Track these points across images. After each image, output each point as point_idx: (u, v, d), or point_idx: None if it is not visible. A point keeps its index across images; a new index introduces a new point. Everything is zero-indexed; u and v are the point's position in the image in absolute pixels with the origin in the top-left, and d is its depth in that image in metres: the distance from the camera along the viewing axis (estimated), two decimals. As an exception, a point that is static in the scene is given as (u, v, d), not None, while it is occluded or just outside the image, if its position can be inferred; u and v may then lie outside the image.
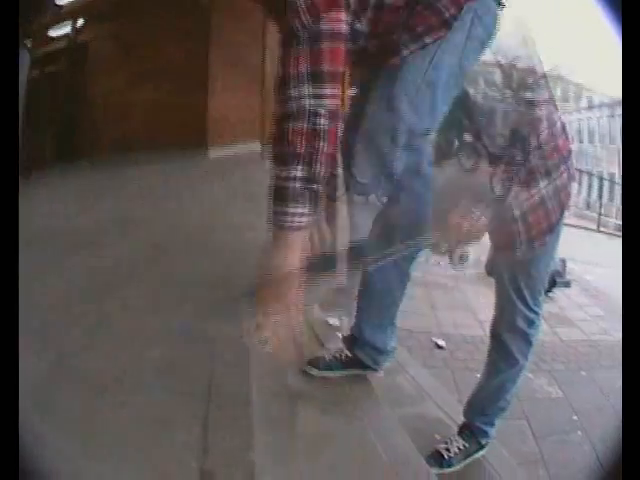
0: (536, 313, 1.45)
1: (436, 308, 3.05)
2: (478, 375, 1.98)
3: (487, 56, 1.25)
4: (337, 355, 1.47)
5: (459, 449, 1.41)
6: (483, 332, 2.59)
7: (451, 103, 1.18)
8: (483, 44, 1.19)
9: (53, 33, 6.29)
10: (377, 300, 1.36)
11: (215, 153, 5.84)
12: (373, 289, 1.35)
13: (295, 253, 0.87)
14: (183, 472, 0.99)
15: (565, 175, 1.38)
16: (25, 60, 4.29)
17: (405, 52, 1.07)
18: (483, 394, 1.54)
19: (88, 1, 5.85)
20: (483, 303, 3.02)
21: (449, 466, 1.39)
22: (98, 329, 1.51)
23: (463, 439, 1.44)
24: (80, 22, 6.50)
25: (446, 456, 1.38)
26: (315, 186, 0.86)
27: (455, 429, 1.56)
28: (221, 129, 6.07)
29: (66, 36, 6.50)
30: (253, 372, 1.34)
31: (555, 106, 1.50)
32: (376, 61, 1.11)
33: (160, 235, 2.43)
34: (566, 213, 1.39)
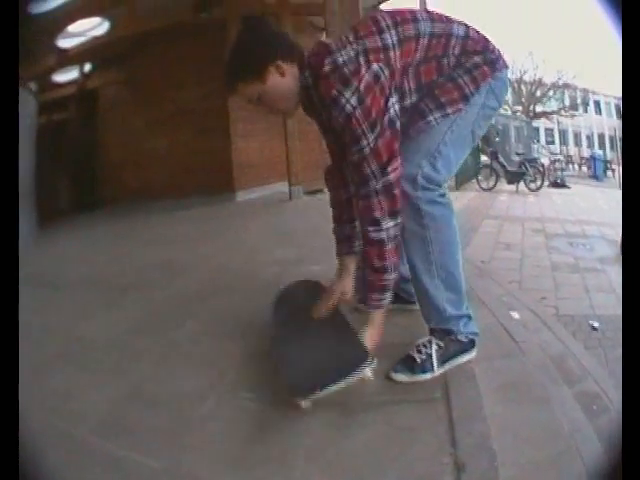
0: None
1: (589, 291, 3.28)
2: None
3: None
4: None
5: (433, 350, 1.30)
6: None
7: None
8: (494, 110, 1.38)
9: (59, 78, 6.07)
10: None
11: (242, 196, 5.51)
12: None
13: None
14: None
15: None
16: (31, 104, 4.06)
17: (430, 118, 1.29)
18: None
19: (95, 45, 5.46)
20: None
21: (423, 372, 1.29)
22: (166, 359, 1.53)
23: (436, 338, 1.33)
24: (88, 67, 6.32)
25: (418, 359, 1.29)
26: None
27: (607, 400, 1.54)
28: (246, 172, 5.71)
29: (74, 82, 6.32)
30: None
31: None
32: (406, 122, 1.31)
33: (206, 274, 2.40)
34: None
